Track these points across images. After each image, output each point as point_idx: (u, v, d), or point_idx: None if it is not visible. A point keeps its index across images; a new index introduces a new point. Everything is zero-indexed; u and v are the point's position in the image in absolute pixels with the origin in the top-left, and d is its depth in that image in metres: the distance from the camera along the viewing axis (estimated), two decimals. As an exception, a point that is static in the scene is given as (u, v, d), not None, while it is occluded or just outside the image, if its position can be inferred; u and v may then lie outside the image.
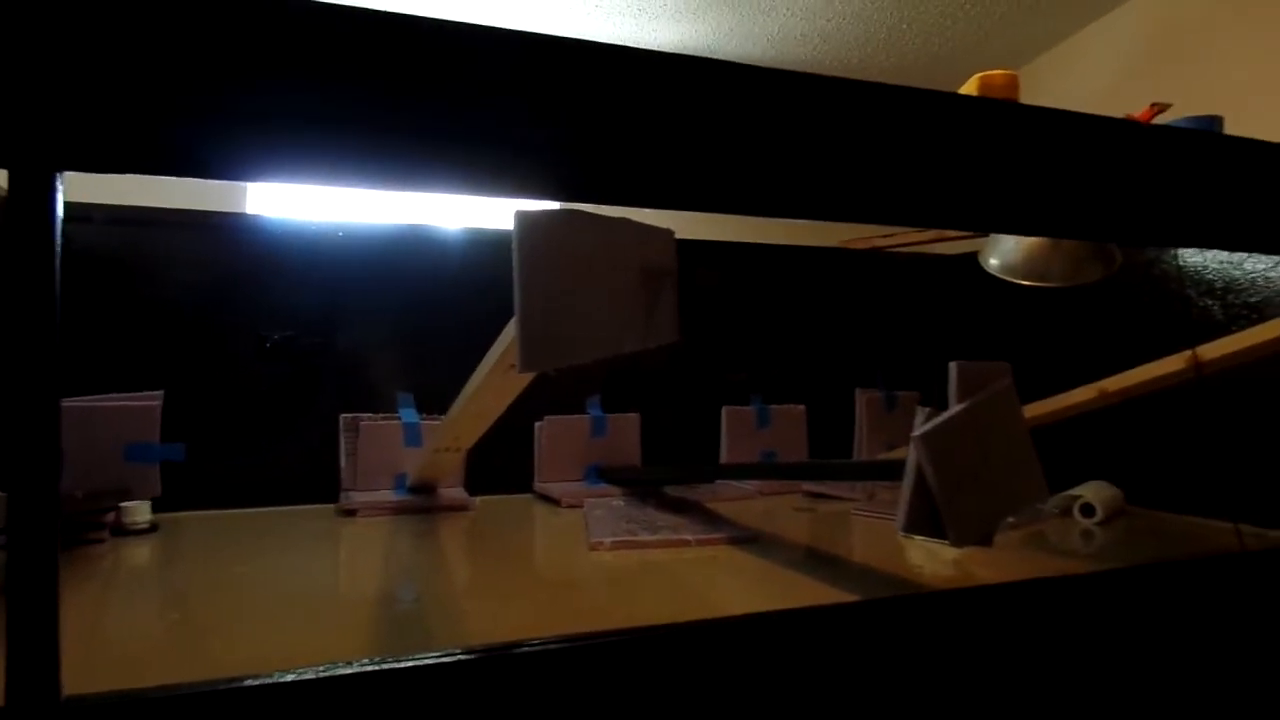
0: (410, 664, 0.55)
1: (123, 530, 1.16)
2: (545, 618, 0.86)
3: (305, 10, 0.49)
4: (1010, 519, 1.24)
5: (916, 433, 0.83)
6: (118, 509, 1.16)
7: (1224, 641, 0.89)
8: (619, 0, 2.40)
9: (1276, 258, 1.26)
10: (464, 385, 1.14)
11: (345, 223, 1.48)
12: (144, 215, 1.37)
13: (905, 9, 2.41)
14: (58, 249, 0.45)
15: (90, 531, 1.11)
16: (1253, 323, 1.23)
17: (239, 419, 1.39)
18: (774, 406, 1.70)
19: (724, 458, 1.65)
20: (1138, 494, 1.43)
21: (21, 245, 0.44)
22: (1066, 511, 1.36)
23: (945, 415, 0.84)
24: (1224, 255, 1.34)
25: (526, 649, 0.59)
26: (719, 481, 1.60)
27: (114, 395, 1.23)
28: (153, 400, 1.25)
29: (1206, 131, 1.09)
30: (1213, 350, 1.16)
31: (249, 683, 0.51)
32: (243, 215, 1.67)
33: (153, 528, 1.19)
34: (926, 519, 0.83)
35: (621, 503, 1.41)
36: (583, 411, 1.57)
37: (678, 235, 0.77)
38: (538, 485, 1.52)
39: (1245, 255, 1.30)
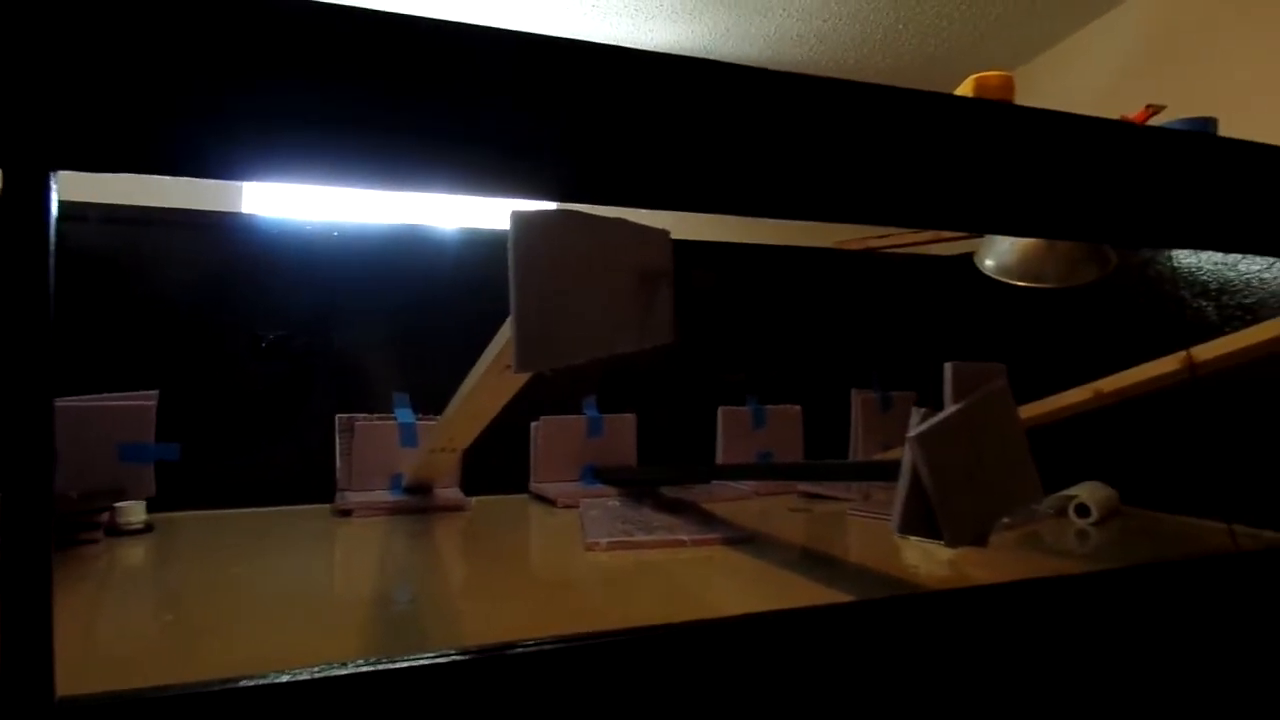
0: (406, 665, 0.55)
1: (117, 530, 1.16)
2: (541, 618, 0.86)
3: (301, 9, 0.49)
4: (1005, 519, 1.24)
5: (911, 433, 0.83)
6: (112, 509, 1.16)
7: (1219, 641, 0.89)
8: (616, 1, 2.40)
9: (1271, 259, 1.26)
10: (460, 385, 1.13)
11: (341, 222, 1.48)
12: (139, 214, 1.36)
13: (902, 10, 2.41)
14: (52, 248, 0.45)
15: (84, 532, 1.11)
16: (1247, 324, 1.23)
17: (234, 419, 1.39)
18: (770, 407, 1.70)
19: (720, 458, 1.65)
20: (1133, 494, 1.43)
21: (16, 244, 0.44)
22: (1061, 512, 1.36)
23: (940, 416, 0.85)
24: (1218, 256, 1.34)
25: (522, 650, 0.59)
26: (715, 482, 1.60)
27: (109, 395, 1.23)
28: (148, 400, 1.25)
29: (1201, 133, 1.09)
30: (1207, 351, 1.16)
31: (244, 684, 0.51)
32: (238, 215, 1.66)
33: (148, 528, 1.19)
34: (922, 519, 0.83)
35: (617, 503, 1.41)
36: (579, 412, 1.57)
37: (673, 236, 0.77)
38: (533, 485, 1.52)
39: (1240, 256, 1.31)
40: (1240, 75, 1.97)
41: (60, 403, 1.10)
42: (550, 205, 0.67)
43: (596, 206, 0.67)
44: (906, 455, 0.84)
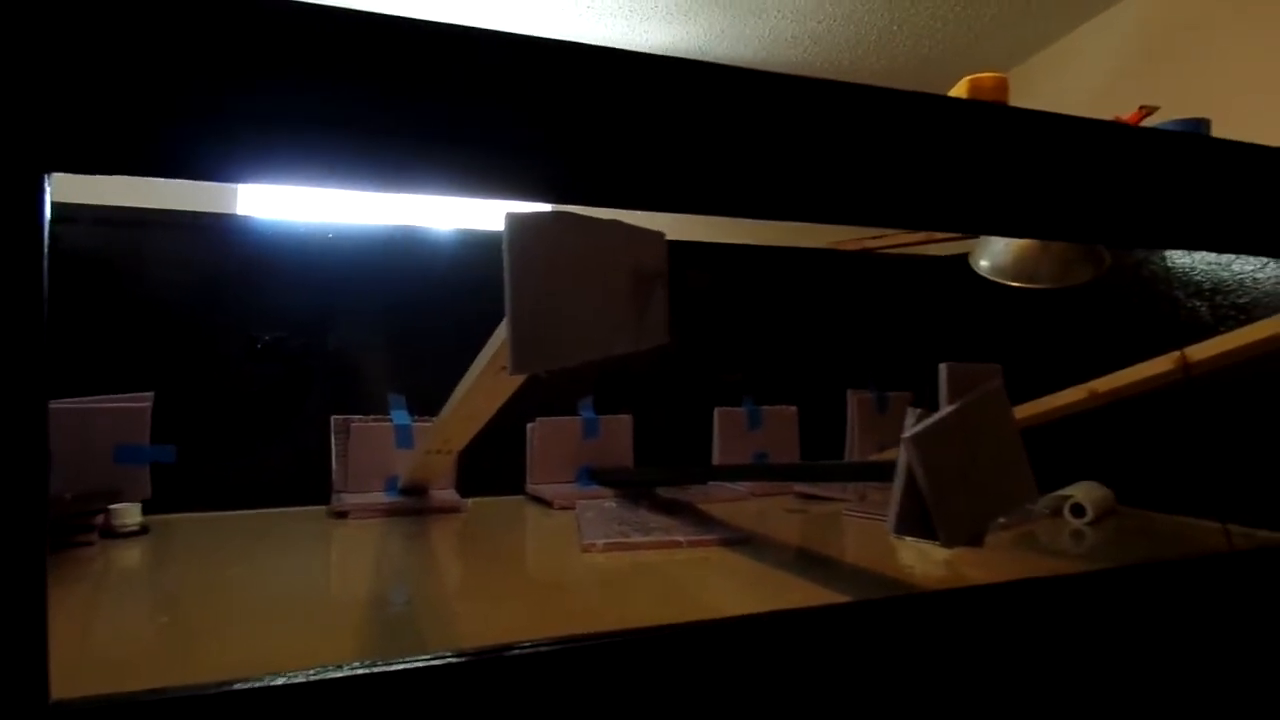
0: (401, 667, 0.55)
1: (112, 533, 1.16)
2: (537, 620, 0.86)
3: (295, 10, 0.49)
4: (1001, 520, 1.24)
5: (907, 434, 0.83)
6: (107, 511, 1.16)
7: (1214, 641, 0.89)
8: (611, 2, 2.40)
9: (1264, 259, 1.27)
10: (455, 387, 1.13)
11: (336, 224, 1.48)
12: (134, 216, 1.36)
13: (896, 12, 2.42)
14: (45, 250, 0.45)
15: (79, 534, 1.11)
16: (1241, 323, 1.23)
17: (230, 420, 1.39)
18: (766, 408, 1.70)
19: (716, 459, 1.65)
20: (1128, 494, 1.44)
21: (9, 246, 0.44)
22: (1057, 512, 1.37)
23: (935, 417, 0.85)
24: (1212, 257, 1.34)
25: (518, 651, 0.59)
26: (711, 483, 1.60)
27: (104, 397, 1.22)
28: (143, 402, 1.25)
29: (1194, 134, 1.09)
30: (1201, 351, 1.16)
31: (239, 686, 0.51)
32: (233, 216, 1.66)
33: (143, 530, 1.19)
34: (917, 520, 0.83)
35: (613, 504, 1.41)
36: (575, 413, 1.57)
37: (668, 237, 0.77)
38: (529, 487, 1.52)
39: (1233, 257, 1.31)
40: (1233, 75, 1.98)
41: (55, 405, 1.10)
42: (545, 207, 0.68)
43: (591, 208, 0.67)
44: (902, 456, 0.84)
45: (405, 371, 1.48)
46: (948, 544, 0.83)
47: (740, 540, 1.15)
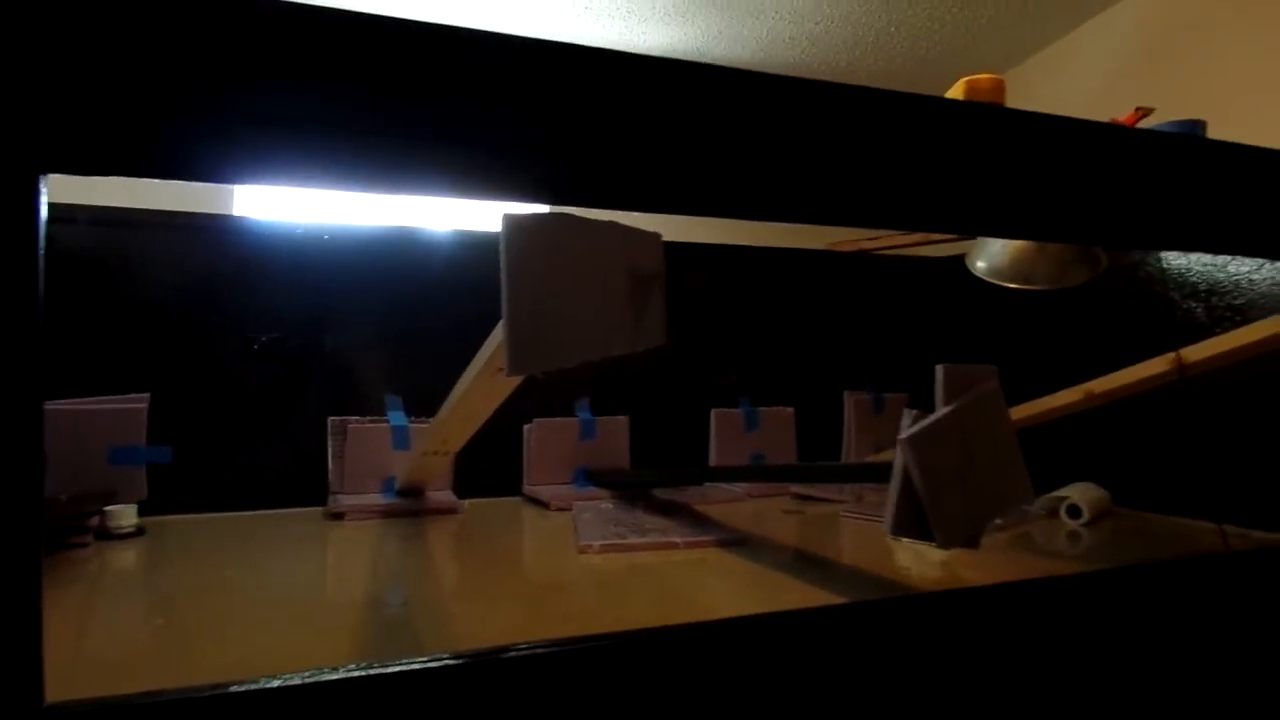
0: (397, 669, 0.55)
1: (108, 534, 1.15)
2: (534, 621, 0.86)
3: (292, 12, 0.49)
4: (997, 521, 1.24)
5: (903, 435, 0.83)
6: (102, 512, 1.16)
7: (1210, 642, 0.89)
8: (608, 3, 2.40)
9: (1260, 261, 1.27)
10: (452, 388, 1.13)
11: (333, 224, 1.48)
12: (130, 217, 1.36)
13: (893, 13, 2.42)
14: (41, 251, 0.44)
15: (74, 536, 1.11)
16: (1236, 325, 1.24)
17: (226, 421, 1.38)
18: (762, 409, 1.70)
19: (713, 460, 1.65)
20: (1124, 495, 1.44)
21: (5, 248, 0.44)
22: (1053, 513, 1.37)
23: (931, 418, 0.85)
24: (1208, 258, 1.35)
25: (515, 653, 0.59)
26: (707, 484, 1.60)
27: (101, 398, 1.22)
28: (139, 403, 1.25)
29: (1190, 135, 1.09)
30: (1196, 353, 1.17)
31: (234, 689, 0.51)
32: (230, 217, 1.66)
33: (139, 531, 1.19)
34: (914, 521, 0.83)
35: (610, 505, 1.41)
36: (571, 414, 1.57)
37: (665, 238, 0.77)
38: (526, 488, 1.52)
39: (1229, 258, 1.32)
40: (1230, 77, 1.99)
41: (51, 406, 1.10)
42: (542, 208, 0.68)
43: (588, 209, 0.67)
44: (898, 457, 0.84)
45: (402, 372, 1.48)
46: (944, 545, 0.83)
47: (737, 541, 1.15)
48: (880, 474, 1.00)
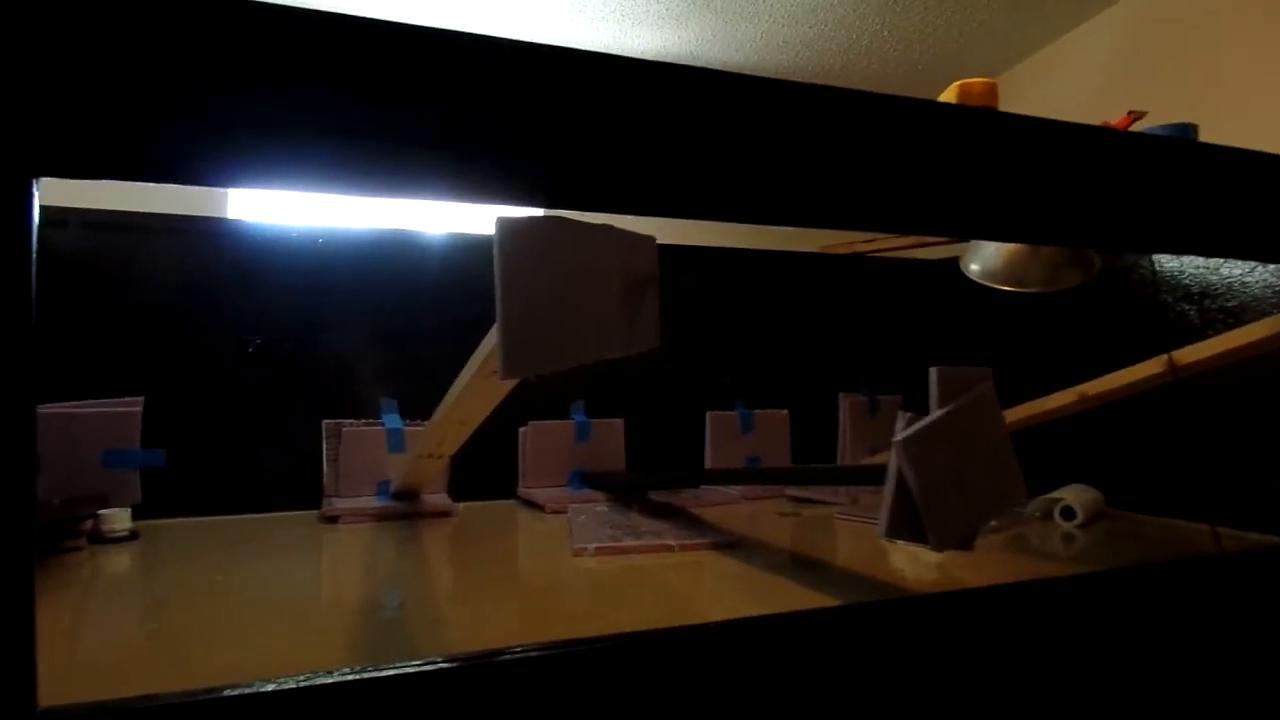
0: (392, 673, 0.55)
1: (101, 538, 1.15)
2: (528, 624, 0.86)
3: (286, 16, 0.49)
4: (991, 523, 1.25)
5: (897, 438, 0.84)
6: (96, 516, 1.15)
7: (1204, 643, 0.90)
8: (603, 6, 2.40)
9: (1252, 263, 1.28)
10: (447, 391, 1.13)
11: (327, 227, 1.48)
12: (124, 220, 1.36)
13: (887, 17, 2.43)
14: (34, 254, 0.44)
15: (67, 539, 1.10)
16: (1229, 327, 1.24)
17: (220, 425, 1.38)
18: (758, 411, 1.70)
19: (708, 463, 1.65)
20: (1118, 497, 1.44)
21: (-3, 251, 0.44)
22: (1047, 515, 1.37)
23: (926, 420, 0.85)
24: (1200, 261, 1.35)
25: (509, 656, 0.59)
26: (703, 486, 1.60)
27: (94, 401, 1.22)
28: (133, 406, 1.24)
29: (1182, 139, 1.10)
30: (1189, 355, 1.17)
31: (228, 693, 0.51)
32: (224, 220, 1.66)
33: (132, 535, 1.18)
34: (908, 523, 0.83)
35: (605, 508, 1.41)
36: (567, 417, 1.56)
37: (660, 241, 0.77)
38: (522, 491, 1.52)
39: (1221, 261, 1.32)
40: (1221, 81, 2.00)
41: (44, 409, 1.09)
42: (537, 211, 0.68)
43: (583, 212, 0.67)
44: (892, 460, 0.84)
45: (397, 375, 1.48)
46: (939, 547, 0.83)
47: (732, 544, 1.15)
48: (875, 476, 1.00)
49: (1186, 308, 1.37)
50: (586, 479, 1.55)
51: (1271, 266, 1.25)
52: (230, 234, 1.49)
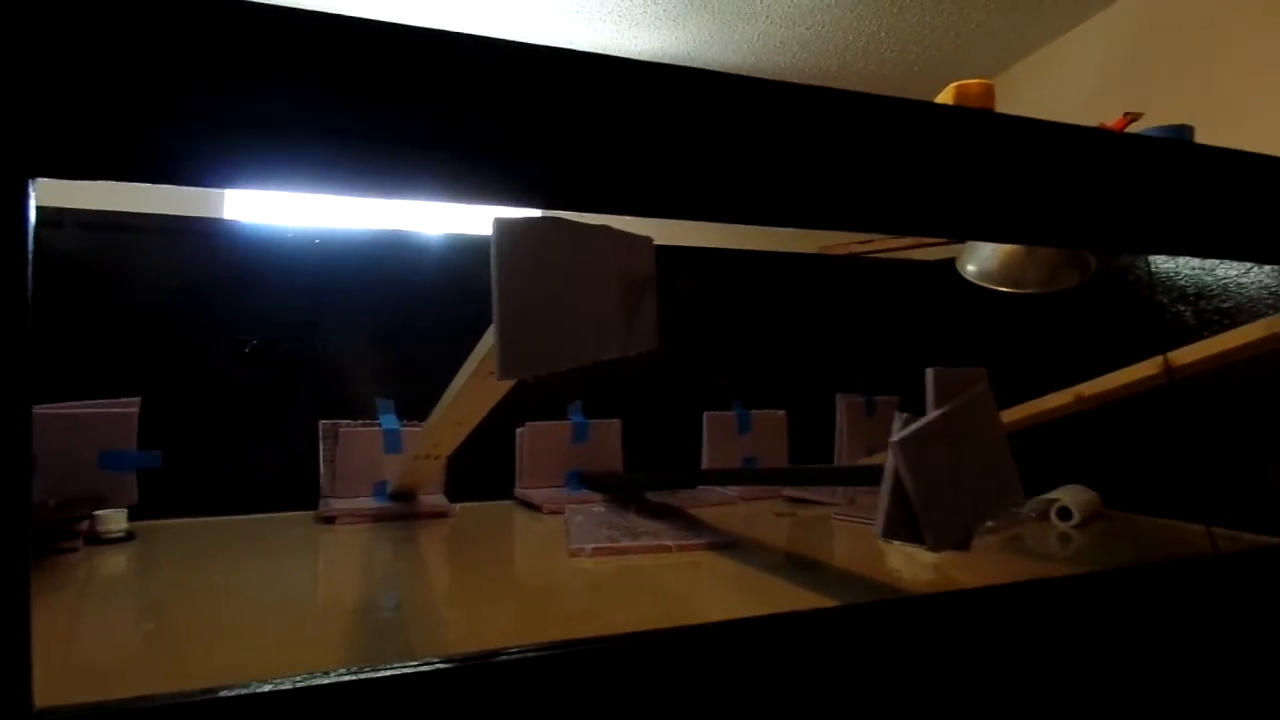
0: (389, 673, 0.55)
1: (97, 539, 1.15)
2: (525, 625, 0.86)
3: (283, 16, 0.49)
4: (988, 523, 1.25)
5: (894, 439, 0.84)
6: (92, 517, 1.15)
7: (1199, 643, 0.90)
8: (600, 7, 2.40)
9: (1248, 264, 1.28)
10: (444, 392, 1.13)
11: (324, 228, 1.48)
12: (120, 220, 1.35)
13: (884, 18, 2.43)
14: (30, 254, 0.44)
15: (63, 540, 1.10)
16: (1224, 328, 1.24)
17: (217, 425, 1.38)
18: (755, 412, 1.71)
19: (705, 463, 1.65)
20: (1114, 497, 1.44)
21: (-7, 252, 0.44)
22: (1044, 515, 1.37)
23: (922, 421, 0.85)
24: (1195, 262, 1.36)
25: (506, 657, 0.59)
26: (700, 487, 1.60)
27: (91, 402, 1.22)
28: (129, 407, 1.24)
29: (1178, 140, 1.10)
30: (1184, 356, 1.17)
31: (224, 693, 0.51)
32: (220, 221, 1.66)
33: (129, 536, 1.18)
34: (905, 524, 0.83)
35: (602, 509, 1.41)
36: (564, 417, 1.56)
37: (657, 242, 0.77)
38: (519, 491, 1.52)
39: (1216, 262, 1.32)
40: (1218, 83, 2.00)
41: (40, 410, 1.09)
42: (534, 212, 0.68)
43: (580, 213, 0.67)
44: (889, 460, 0.85)
45: (394, 376, 1.48)
46: (935, 548, 0.83)
47: (729, 544, 1.15)
48: (872, 477, 1.00)
49: (1182, 309, 1.37)
50: (584, 480, 1.55)
51: (1267, 268, 1.25)
52: (227, 234, 1.48)
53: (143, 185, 0.49)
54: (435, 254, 1.55)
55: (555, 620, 0.88)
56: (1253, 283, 1.27)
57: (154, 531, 1.23)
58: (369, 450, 1.42)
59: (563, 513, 1.37)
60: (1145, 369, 1.21)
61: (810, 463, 1.72)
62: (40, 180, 0.45)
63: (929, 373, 0.88)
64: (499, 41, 0.55)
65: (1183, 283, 1.37)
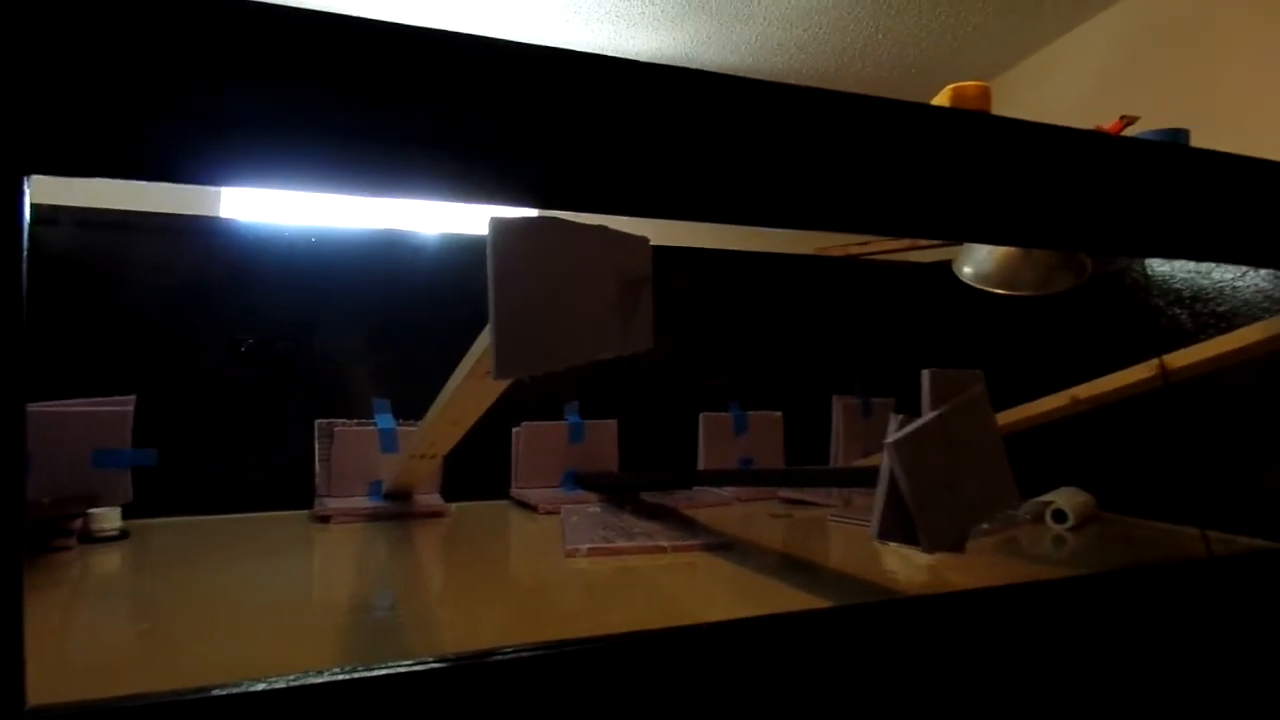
0: (383, 672, 0.55)
1: (91, 537, 1.14)
2: (520, 625, 0.86)
3: (280, 15, 0.49)
4: (983, 525, 1.25)
5: (889, 440, 0.84)
6: (86, 515, 1.15)
7: (1193, 645, 0.90)
8: (597, 7, 2.40)
9: (1243, 268, 1.28)
10: (440, 391, 1.13)
11: (320, 227, 1.47)
12: (116, 218, 1.35)
13: (881, 20, 2.43)
14: (25, 252, 0.44)
15: (57, 539, 1.10)
16: (1220, 331, 1.25)
17: (213, 424, 1.38)
18: (751, 413, 1.71)
19: (701, 464, 1.65)
20: (1109, 500, 1.45)
21: (-12, 249, 0.43)
22: (1039, 517, 1.38)
23: (918, 423, 0.85)
24: (1191, 265, 1.36)
25: (501, 657, 0.59)
26: (696, 488, 1.60)
27: (86, 400, 1.21)
28: (125, 405, 1.24)
29: (1174, 144, 1.10)
30: (1180, 359, 1.17)
31: (217, 692, 0.50)
32: (216, 219, 1.65)
33: (123, 534, 1.18)
34: (900, 526, 0.84)
35: (598, 509, 1.41)
36: (560, 417, 1.56)
37: (653, 242, 0.78)
38: (514, 491, 1.51)
39: (1212, 265, 1.33)
40: (1214, 86, 2.01)
41: (35, 408, 1.09)
42: (530, 211, 0.68)
43: (576, 213, 0.67)
44: (885, 462, 0.85)
45: (390, 375, 1.48)
46: (930, 549, 0.83)
47: (724, 545, 1.15)
48: (868, 478, 1.00)
49: (1178, 312, 1.37)
50: (579, 480, 1.55)
51: (1263, 271, 1.26)
52: (223, 233, 1.48)
53: (139, 183, 0.49)
54: (431, 253, 1.54)
55: (550, 620, 0.88)
56: (1248, 286, 1.28)
57: (148, 530, 1.22)
58: (364, 449, 1.41)
59: (558, 513, 1.37)
60: (1141, 372, 1.21)
61: (806, 464, 1.72)
62: (35, 177, 0.45)
63: (925, 374, 0.88)
64: (496, 41, 0.55)
65: (1178, 286, 1.38)
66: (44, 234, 1.28)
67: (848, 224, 0.71)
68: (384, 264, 1.51)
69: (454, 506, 1.40)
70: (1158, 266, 1.41)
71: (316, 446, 1.40)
